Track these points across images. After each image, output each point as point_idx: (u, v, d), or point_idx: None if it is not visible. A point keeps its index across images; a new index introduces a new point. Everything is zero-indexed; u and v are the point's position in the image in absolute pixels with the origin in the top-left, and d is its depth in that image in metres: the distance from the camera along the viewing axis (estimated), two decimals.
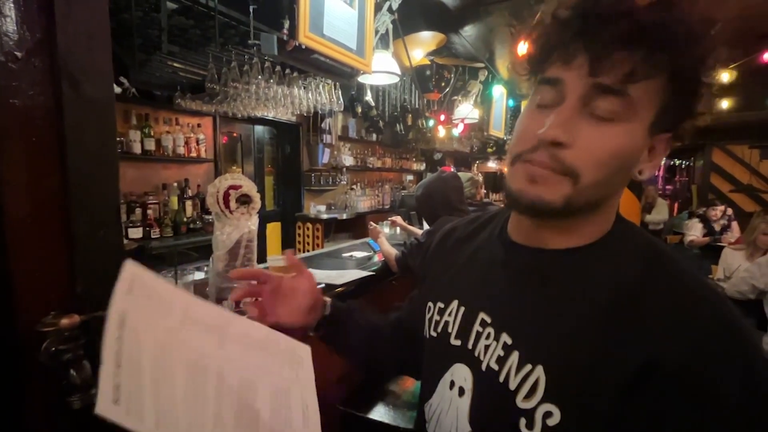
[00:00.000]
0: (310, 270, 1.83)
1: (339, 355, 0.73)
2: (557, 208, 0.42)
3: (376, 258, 2.02)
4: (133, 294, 0.43)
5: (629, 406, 0.37)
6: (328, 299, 0.68)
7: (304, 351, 0.56)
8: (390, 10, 2.13)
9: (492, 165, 7.44)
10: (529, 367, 0.43)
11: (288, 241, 4.35)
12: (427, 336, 0.59)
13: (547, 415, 0.40)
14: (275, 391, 0.50)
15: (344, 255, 2.14)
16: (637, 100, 0.39)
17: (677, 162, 8.09)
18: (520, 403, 0.42)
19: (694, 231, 4.13)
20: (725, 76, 3.52)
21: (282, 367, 0.53)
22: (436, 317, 0.57)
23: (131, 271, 0.44)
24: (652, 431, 0.36)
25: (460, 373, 0.50)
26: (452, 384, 0.51)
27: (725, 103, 4.95)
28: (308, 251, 3.93)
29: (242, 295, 0.64)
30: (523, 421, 0.41)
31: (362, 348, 0.71)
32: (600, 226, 0.46)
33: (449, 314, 0.55)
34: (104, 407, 0.35)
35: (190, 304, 0.49)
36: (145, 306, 0.44)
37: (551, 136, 0.40)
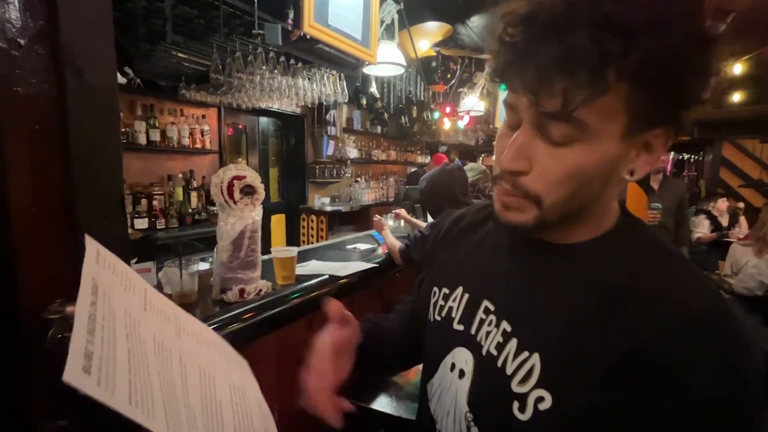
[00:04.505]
0: (315, 261, 1.83)
1: (373, 372, 0.68)
2: (531, 227, 0.44)
3: (380, 250, 2.02)
4: (100, 264, 0.42)
5: (613, 393, 0.38)
6: None
7: (245, 363, 0.58)
8: None
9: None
10: (525, 354, 0.44)
11: (292, 234, 4.37)
12: (431, 320, 0.60)
13: (539, 399, 0.41)
14: (231, 386, 0.50)
15: (348, 247, 2.14)
16: (592, 121, 0.37)
17: (686, 156, 7.98)
18: (515, 387, 0.43)
19: (701, 228, 4.08)
20: (737, 68, 3.45)
21: (233, 367, 0.54)
22: (441, 302, 0.59)
23: (94, 245, 0.43)
24: (633, 419, 0.37)
25: (462, 356, 0.52)
26: (453, 366, 0.53)
27: (736, 97, 4.86)
28: (312, 243, 3.94)
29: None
30: (516, 405, 0.43)
31: (394, 358, 0.70)
32: (597, 224, 0.46)
33: (453, 300, 0.57)
34: (73, 375, 0.31)
35: (148, 290, 0.49)
36: (112, 278, 0.43)
37: (506, 167, 0.42)
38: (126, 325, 0.40)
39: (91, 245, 0.43)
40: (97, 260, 0.42)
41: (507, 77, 0.41)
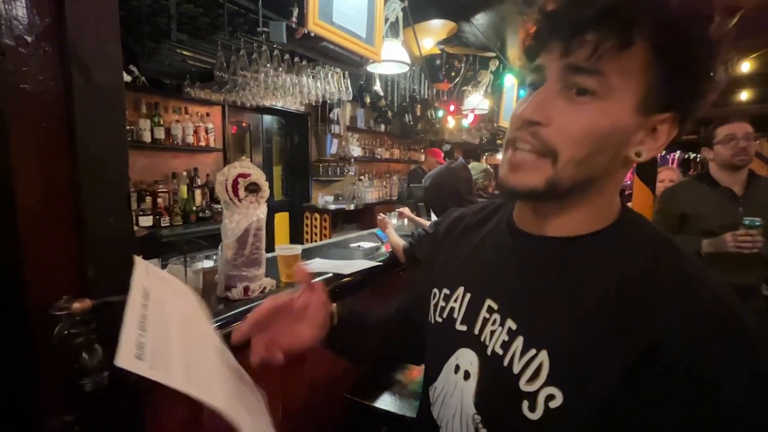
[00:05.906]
0: (318, 259, 1.82)
1: (348, 360, 0.72)
2: (540, 191, 0.44)
3: (384, 248, 2.02)
4: (150, 276, 0.47)
5: (629, 390, 0.37)
6: (332, 307, 0.65)
7: (263, 395, 0.56)
8: None
9: (501, 157, 7.33)
10: (533, 351, 0.43)
11: (296, 232, 4.38)
12: (432, 321, 0.60)
13: (550, 397, 0.41)
14: (252, 406, 0.49)
15: (352, 245, 2.14)
16: (614, 78, 0.40)
17: (692, 155, 7.91)
18: (523, 386, 0.43)
19: None
20: (745, 66, 3.41)
21: (252, 393, 0.53)
22: (442, 303, 0.58)
23: (143, 261, 0.48)
24: (650, 416, 0.37)
25: (466, 357, 0.51)
26: (457, 368, 0.52)
27: (744, 95, 4.81)
28: (316, 241, 3.95)
29: (245, 336, 0.54)
30: (525, 404, 0.42)
31: (372, 350, 0.71)
32: (598, 214, 0.46)
33: (455, 300, 0.56)
34: (126, 360, 0.35)
35: (196, 301, 0.53)
36: (163, 286, 0.48)
37: (527, 115, 0.44)
38: (180, 324, 0.45)
39: (140, 263, 0.48)
40: (147, 273, 0.47)
41: (541, 39, 0.44)
